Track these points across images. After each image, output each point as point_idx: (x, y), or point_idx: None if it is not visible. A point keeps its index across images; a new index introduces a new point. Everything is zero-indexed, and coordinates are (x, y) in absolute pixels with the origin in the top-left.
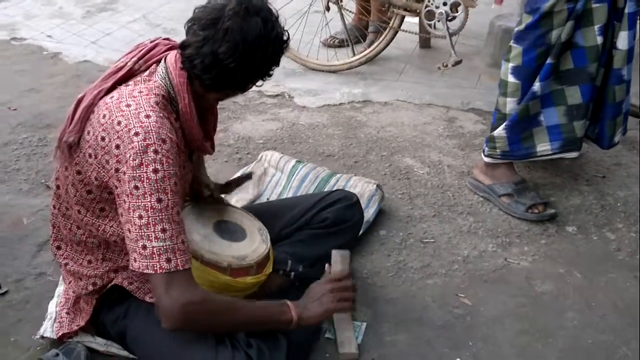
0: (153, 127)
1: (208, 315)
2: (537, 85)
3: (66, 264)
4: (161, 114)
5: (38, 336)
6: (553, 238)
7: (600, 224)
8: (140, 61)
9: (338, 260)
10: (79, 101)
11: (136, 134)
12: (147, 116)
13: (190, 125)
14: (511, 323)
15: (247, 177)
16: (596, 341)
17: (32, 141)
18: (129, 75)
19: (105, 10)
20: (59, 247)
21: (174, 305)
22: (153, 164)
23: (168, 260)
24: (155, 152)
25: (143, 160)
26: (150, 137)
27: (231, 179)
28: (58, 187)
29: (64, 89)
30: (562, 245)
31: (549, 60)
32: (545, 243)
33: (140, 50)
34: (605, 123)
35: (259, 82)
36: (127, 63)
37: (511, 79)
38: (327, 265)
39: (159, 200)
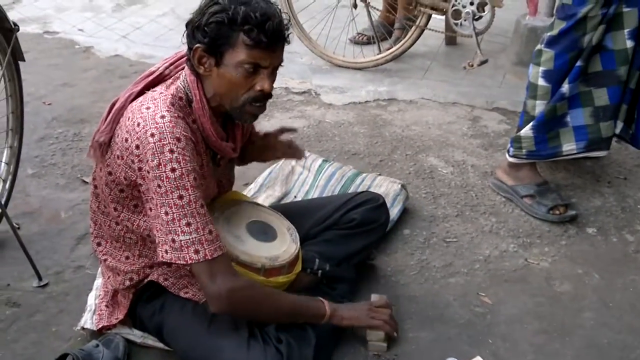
0: (167, 127)
1: (253, 301)
2: (565, 87)
3: (105, 260)
4: (176, 114)
5: (79, 327)
6: (573, 239)
7: (620, 225)
8: (171, 67)
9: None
10: (113, 103)
11: (152, 134)
12: (162, 117)
13: (203, 122)
14: (530, 322)
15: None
16: (612, 341)
17: (67, 136)
18: (160, 80)
19: (135, 3)
20: (99, 244)
21: (221, 291)
22: (170, 164)
23: (196, 252)
24: (171, 151)
25: (160, 160)
26: (165, 137)
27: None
28: (95, 186)
29: (97, 84)
30: (581, 246)
31: (578, 63)
32: (565, 244)
33: (175, 57)
34: None
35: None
36: (159, 67)
37: (541, 82)
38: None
39: (180, 197)
